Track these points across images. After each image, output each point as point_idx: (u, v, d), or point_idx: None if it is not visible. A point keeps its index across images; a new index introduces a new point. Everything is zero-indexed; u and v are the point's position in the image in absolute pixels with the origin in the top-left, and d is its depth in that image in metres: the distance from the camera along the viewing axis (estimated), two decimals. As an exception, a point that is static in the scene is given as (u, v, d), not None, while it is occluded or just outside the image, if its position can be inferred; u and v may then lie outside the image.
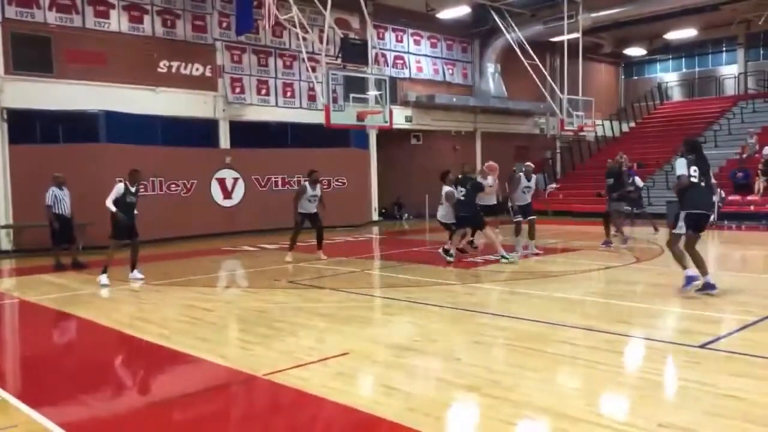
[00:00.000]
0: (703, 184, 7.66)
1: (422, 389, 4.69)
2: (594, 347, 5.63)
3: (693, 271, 7.56)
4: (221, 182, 17.60)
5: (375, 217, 21.38)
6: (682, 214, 7.64)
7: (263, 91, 18.94)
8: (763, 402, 4.17)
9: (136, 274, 10.04)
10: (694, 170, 7.61)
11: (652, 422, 3.87)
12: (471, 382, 4.72)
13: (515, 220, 11.86)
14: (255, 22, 17.73)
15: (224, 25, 18.11)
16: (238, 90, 18.36)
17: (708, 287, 7.56)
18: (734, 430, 3.79)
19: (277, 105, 19.15)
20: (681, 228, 7.63)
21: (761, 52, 27.54)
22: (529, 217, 11.98)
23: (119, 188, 9.71)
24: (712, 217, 8.70)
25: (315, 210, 11.80)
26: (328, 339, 6.21)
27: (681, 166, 7.68)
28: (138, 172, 10.16)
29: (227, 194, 17.69)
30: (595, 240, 13.69)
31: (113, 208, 9.58)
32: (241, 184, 17.93)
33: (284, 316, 7.27)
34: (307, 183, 11.83)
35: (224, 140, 18.20)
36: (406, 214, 23.02)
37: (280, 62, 19.30)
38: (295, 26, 16.60)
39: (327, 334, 6.45)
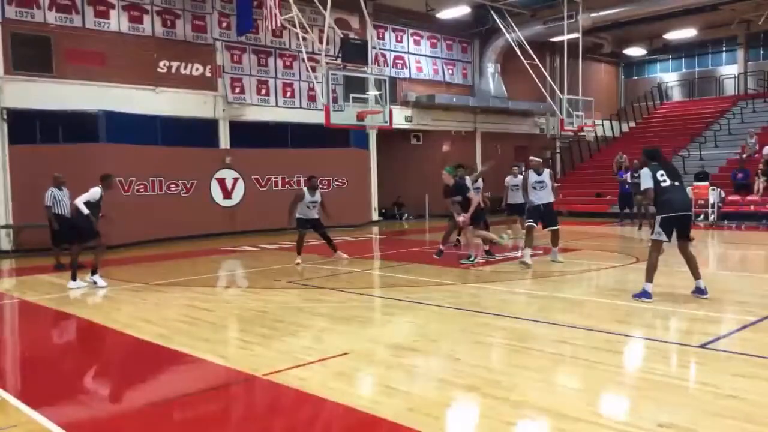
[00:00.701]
0: (676, 183, 7.44)
1: (422, 389, 4.69)
2: (594, 347, 5.63)
3: (651, 287, 7.40)
4: (221, 182, 17.61)
5: (375, 217, 21.38)
6: (659, 219, 7.43)
7: (263, 91, 18.94)
8: (764, 402, 4.16)
9: (97, 278, 9.59)
10: (661, 174, 7.39)
11: (653, 422, 3.87)
12: (471, 382, 4.72)
13: (527, 224, 10.73)
14: (255, 22, 17.75)
15: (224, 25, 18.11)
16: (238, 90, 18.36)
17: (698, 292, 7.43)
18: (735, 431, 3.78)
19: (277, 105, 19.16)
20: (659, 234, 7.38)
21: (761, 52, 27.54)
22: (551, 228, 10.68)
23: (96, 192, 9.44)
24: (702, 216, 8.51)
25: (317, 216, 11.71)
26: (328, 339, 6.21)
27: (646, 178, 7.47)
28: (112, 177, 9.86)
29: (227, 194, 17.70)
30: (595, 240, 13.67)
31: (86, 210, 9.27)
32: (240, 184, 17.93)
33: (284, 316, 7.27)
34: (305, 189, 11.72)
35: (224, 140, 18.20)
36: (406, 214, 23.02)
37: (280, 62, 19.31)
38: (295, 26, 16.61)
39: (327, 334, 6.45)
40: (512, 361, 5.37)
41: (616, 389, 4.67)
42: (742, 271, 10.47)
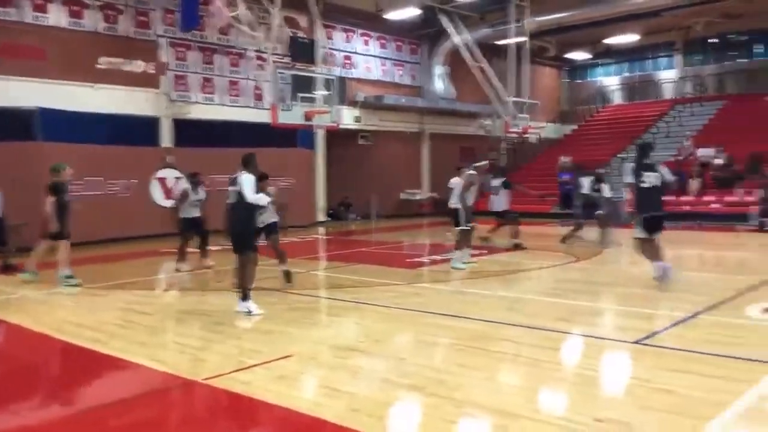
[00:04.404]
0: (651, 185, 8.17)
1: (366, 390, 4.67)
2: (535, 345, 5.73)
3: (663, 263, 8.22)
4: (162, 182, 17.15)
5: (322, 217, 21.25)
6: (639, 218, 8.18)
7: (208, 90, 18.59)
8: (696, 396, 4.31)
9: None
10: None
11: (589, 417, 3.96)
12: (415, 382, 4.73)
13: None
14: (201, 18, 17.40)
15: (168, 21, 17.69)
16: (182, 88, 17.97)
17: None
18: (667, 424, 3.90)
19: (222, 103, 18.82)
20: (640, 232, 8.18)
21: (698, 57, 28.58)
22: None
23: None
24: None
25: (199, 214, 10.93)
26: (272, 341, 6.12)
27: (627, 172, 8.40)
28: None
29: (168, 194, 17.23)
30: (537, 240, 13.90)
31: None
32: (183, 183, 17.48)
33: (227, 318, 7.11)
34: (189, 186, 10.97)
35: (167, 139, 17.78)
36: (354, 215, 22.95)
37: (226, 60, 18.99)
38: (242, 24, 16.38)
39: (270, 336, 6.36)
40: (457, 360, 5.41)
41: (555, 385, 4.76)
42: (675, 269, 10.79)
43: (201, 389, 4.78)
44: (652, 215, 8.23)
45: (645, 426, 3.86)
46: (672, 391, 4.38)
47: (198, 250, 11.16)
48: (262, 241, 8.85)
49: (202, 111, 18.29)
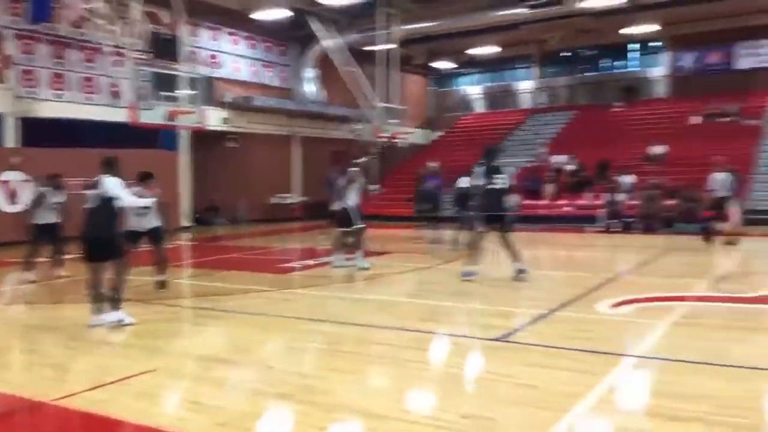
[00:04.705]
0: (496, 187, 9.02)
1: (233, 402, 4.51)
2: (403, 346, 5.83)
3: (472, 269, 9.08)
4: (5, 185, 15.65)
5: (186, 222, 20.39)
6: (482, 216, 8.99)
7: (60, 86, 17.24)
8: (554, 389, 4.55)
9: None
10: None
11: (456, 414, 4.08)
12: (284, 390, 4.63)
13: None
14: (52, 10, 16.07)
15: (14, 11, 16.17)
16: (29, 83, 16.52)
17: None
18: (529, 417, 4.09)
19: (75, 101, 17.51)
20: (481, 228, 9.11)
21: (552, 70, 30.62)
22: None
23: None
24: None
25: (56, 220, 10.09)
26: (131, 356, 5.75)
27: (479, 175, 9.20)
28: None
29: (13, 199, 15.76)
30: (405, 243, 14.21)
31: None
32: (30, 187, 16.05)
33: (80, 333, 6.57)
34: (47, 189, 10.13)
35: (11, 138, 16.25)
36: (222, 219, 22.26)
37: (80, 55, 17.69)
38: (99, 17, 15.35)
39: (131, 350, 5.98)
40: (326, 364, 5.39)
41: (422, 385, 4.87)
42: (532, 269, 11.43)
43: (51, 411, 4.38)
44: (495, 214, 8.96)
45: (509, 420, 4.04)
46: (533, 386, 4.61)
47: (50, 259, 10.30)
48: (144, 246, 8.41)
49: (53, 109, 16.91)
